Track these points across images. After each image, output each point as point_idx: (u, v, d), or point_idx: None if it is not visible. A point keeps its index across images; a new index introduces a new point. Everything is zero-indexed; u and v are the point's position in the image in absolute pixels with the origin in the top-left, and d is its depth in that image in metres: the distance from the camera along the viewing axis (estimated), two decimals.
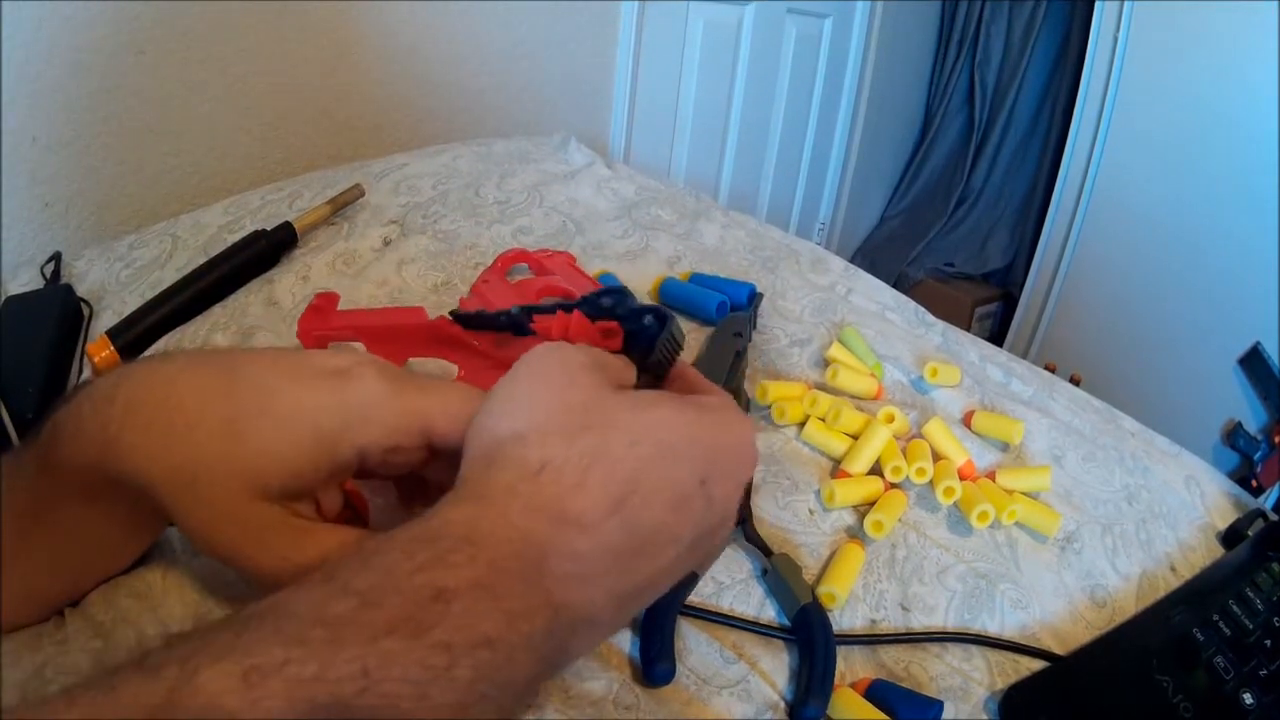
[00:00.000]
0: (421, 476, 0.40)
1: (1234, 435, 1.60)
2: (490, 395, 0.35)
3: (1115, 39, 1.79)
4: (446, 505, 0.30)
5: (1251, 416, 1.59)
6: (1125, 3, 1.76)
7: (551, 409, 0.33)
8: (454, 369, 0.58)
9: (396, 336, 0.61)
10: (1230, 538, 0.61)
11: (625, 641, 0.45)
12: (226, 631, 0.25)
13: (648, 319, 0.47)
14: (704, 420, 0.34)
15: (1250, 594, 0.51)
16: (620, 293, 0.49)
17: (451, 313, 0.58)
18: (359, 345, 0.61)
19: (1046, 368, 1.96)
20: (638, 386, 0.40)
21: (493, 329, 0.56)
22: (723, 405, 0.36)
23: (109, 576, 0.42)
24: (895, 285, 2.21)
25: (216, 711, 0.22)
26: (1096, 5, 1.84)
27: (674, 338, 0.43)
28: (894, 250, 2.57)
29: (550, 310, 0.53)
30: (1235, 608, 0.50)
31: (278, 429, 0.33)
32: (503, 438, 0.32)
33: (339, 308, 0.65)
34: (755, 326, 0.77)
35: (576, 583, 0.29)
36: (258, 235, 0.76)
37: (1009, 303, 2.34)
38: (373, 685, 0.24)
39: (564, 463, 0.30)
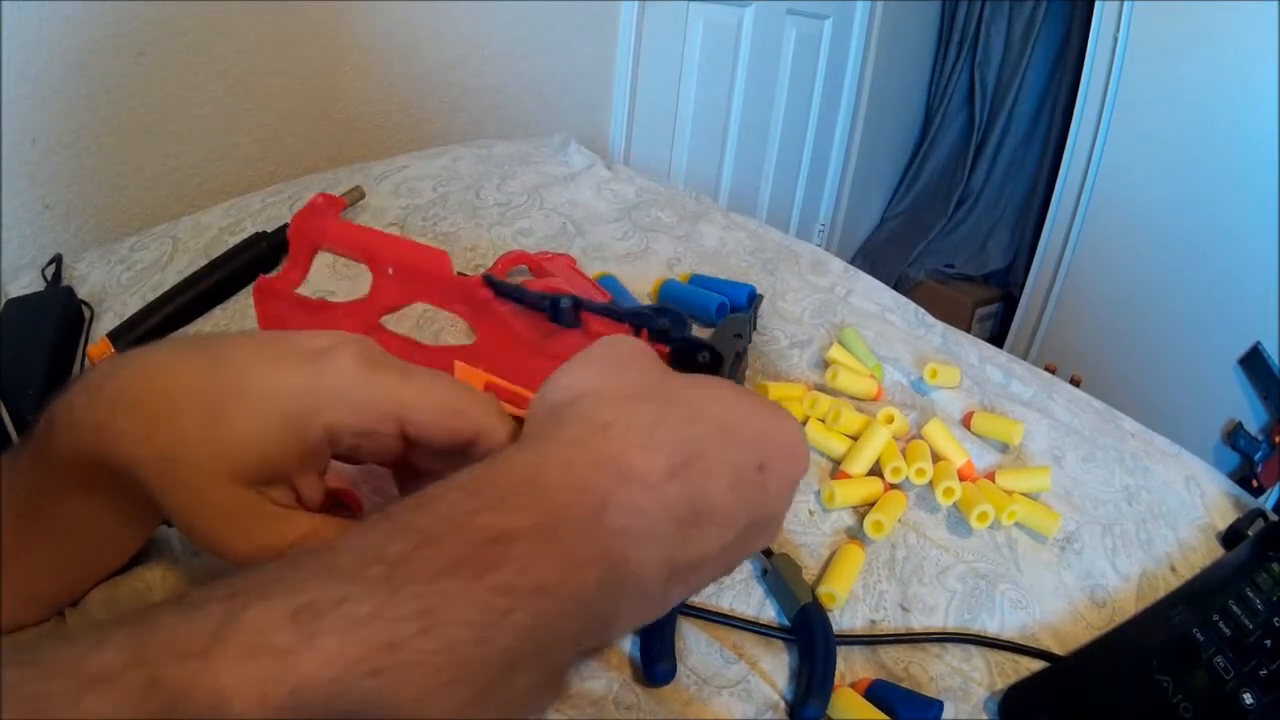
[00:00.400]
0: (418, 469, 0.40)
1: (1234, 435, 1.60)
2: (561, 367, 0.36)
3: (1115, 39, 1.79)
4: (509, 453, 0.30)
5: (1252, 416, 1.59)
6: (1125, 2, 1.76)
7: (621, 380, 0.34)
8: (463, 324, 0.55)
9: (414, 277, 0.57)
10: (1230, 538, 0.61)
11: (625, 641, 0.45)
12: (274, 570, 0.24)
13: (703, 355, 0.47)
14: (762, 410, 0.35)
15: (1250, 594, 0.51)
16: (677, 316, 0.49)
17: (488, 276, 0.56)
18: (363, 268, 0.56)
19: (1047, 368, 1.96)
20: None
21: (530, 306, 0.55)
22: (777, 403, 0.37)
23: (109, 574, 0.42)
24: (895, 286, 2.22)
25: (265, 650, 0.21)
26: (1096, 5, 1.84)
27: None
28: (894, 251, 2.57)
29: (599, 311, 0.52)
30: (1235, 608, 0.50)
31: (250, 411, 0.33)
32: (571, 398, 0.33)
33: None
34: (755, 328, 0.77)
35: (633, 540, 0.29)
36: (258, 237, 0.76)
37: (1009, 303, 2.34)
38: (433, 626, 0.23)
39: (630, 423, 0.31)
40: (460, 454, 0.36)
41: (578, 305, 0.54)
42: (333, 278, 0.74)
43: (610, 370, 0.35)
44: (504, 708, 0.25)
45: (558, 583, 0.26)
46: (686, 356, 0.48)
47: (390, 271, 0.56)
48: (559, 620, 0.26)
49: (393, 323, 0.61)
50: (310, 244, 0.56)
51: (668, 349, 0.48)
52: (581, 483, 0.29)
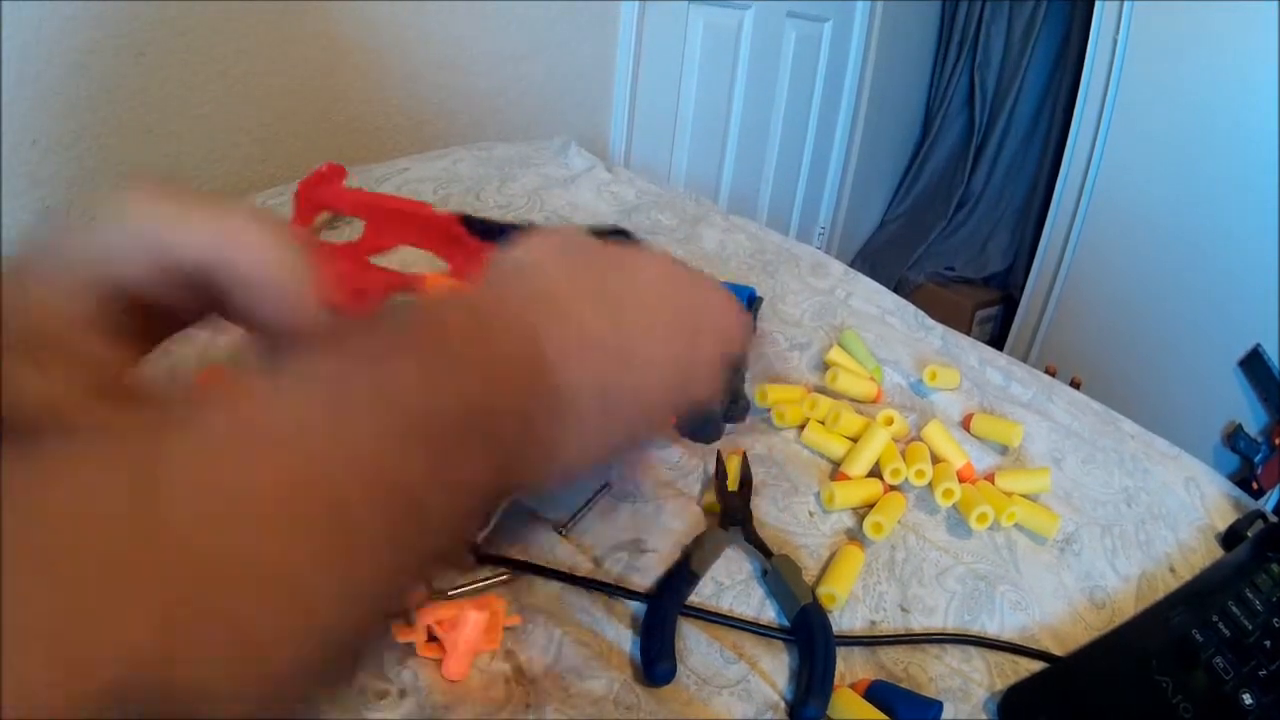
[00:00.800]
0: None
1: (1234, 437, 1.60)
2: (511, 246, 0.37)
3: (1115, 40, 1.79)
4: (452, 301, 0.32)
5: (1252, 418, 1.59)
6: (1125, 3, 1.76)
7: (566, 252, 0.36)
8: (442, 265, 0.57)
9: (398, 222, 0.60)
10: (1230, 539, 0.61)
11: (626, 641, 0.45)
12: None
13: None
14: (698, 284, 0.38)
15: (1250, 595, 0.52)
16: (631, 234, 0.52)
17: (463, 215, 0.58)
18: (359, 222, 0.60)
19: (1047, 370, 1.96)
20: None
21: (497, 238, 0.57)
22: (723, 288, 0.39)
23: None
24: (895, 289, 2.22)
25: None
26: (1096, 6, 1.84)
27: None
28: (894, 254, 2.57)
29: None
30: (1235, 608, 0.50)
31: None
32: (517, 265, 0.34)
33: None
34: (755, 330, 0.77)
35: (561, 354, 0.30)
36: None
37: (1009, 306, 2.34)
38: (384, 392, 0.25)
39: (559, 271, 0.33)
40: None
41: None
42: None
43: (555, 244, 0.36)
44: (458, 476, 0.26)
45: (489, 378, 0.27)
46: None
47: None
48: (496, 398, 0.27)
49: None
50: (315, 205, 0.59)
51: None
52: (516, 304, 0.31)
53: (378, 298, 0.50)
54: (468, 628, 0.42)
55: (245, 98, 1.06)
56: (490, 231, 0.58)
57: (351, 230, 0.67)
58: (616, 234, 0.51)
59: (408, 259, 0.65)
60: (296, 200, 0.58)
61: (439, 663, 0.43)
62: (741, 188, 2.09)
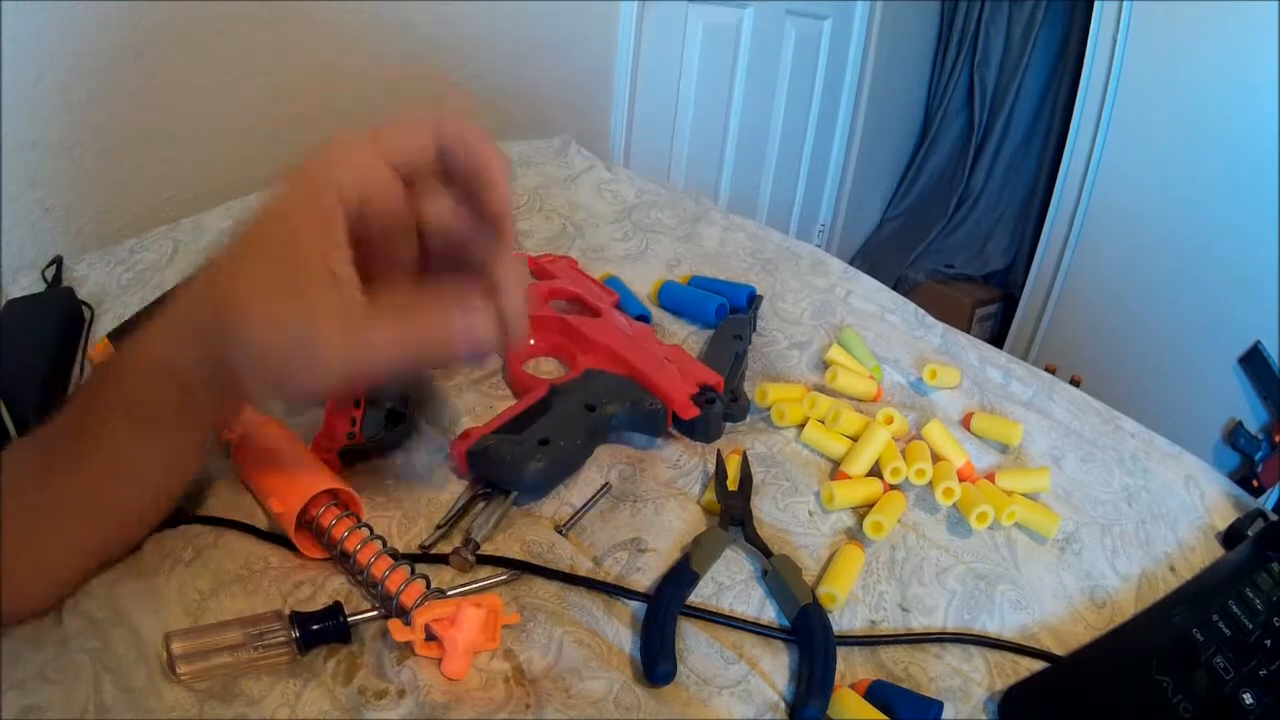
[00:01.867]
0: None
1: (1235, 435, 1.60)
2: None
3: (1115, 39, 1.79)
4: None
5: (1252, 416, 1.59)
6: (1125, 2, 1.76)
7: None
8: None
9: None
10: (1230, 538, 0.61)
11: (626, 641, 0.45)
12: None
13: None
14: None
15: (1250, 594, 0.51)
16: None
17: None
18: None
19: (1047, 369, 1.96)
20: None
21: None
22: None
23: (137, 540, 0.45)
24: (895, 287, 2.21)
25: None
26: (1096, 5, 1.84)
27: None
28: (894, 252, 2.57)
29: None
30: (1235, 608, 0.50)
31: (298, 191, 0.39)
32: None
33: None
34: (755, 329, 0.77)
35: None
36: None
37: (1009, 304, 2.34)
38: None
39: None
40: (469, 194, 0.41)
41: None
42: None
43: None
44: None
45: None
46: None
47: None
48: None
49: None
50: None
51: None
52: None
53: None
54: (466, 625, 0.42)
55: (246, 99, 1.06)
56: None
57: None
58: None
59: None
60: None
61: (439, 662, 0.43)
62: (741, 186, 2.09)
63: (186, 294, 0.41)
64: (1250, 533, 0.59)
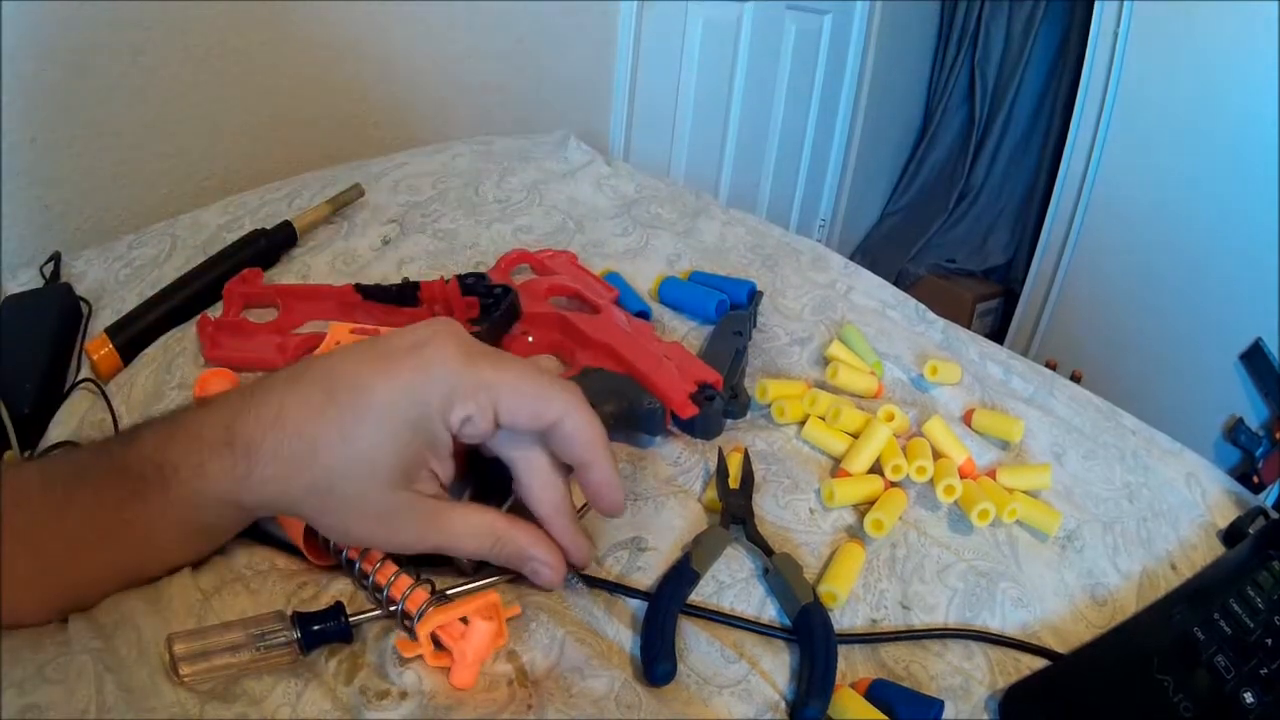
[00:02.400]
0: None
1: (1235, 431, 1.60)
2: None
3: (1115, 35, 1.79)
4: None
5: (1253, 412, 1.59)
6: (1125, 1, 1.76)
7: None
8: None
9: (309, 298, 0.71)
10: (1231, 536, 0.61)
11: (627, 640, 0.45)
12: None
13: (497, 289, 0.67)
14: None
15: (1251, 592, 0.51)
16: (481, 278, 0.69)
17: (356, 285, 0.70)
18: (278, 306, 0.70)
19: (1047, 364, 1.96)
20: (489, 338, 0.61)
21: (385, 300, 0.70)
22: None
23: (152, 578, 0.45)
24: (896, 282, 2.21)
25: None
26: (1096, 2, 1.83)
27: (513, 306, 0.66)
28: (895, 246, 2.57)
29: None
30: (1236, 606, 0.50)
31: (378, 427, 0.38)
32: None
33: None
34: (755, 324, 0.77)
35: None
36: (257, 234, 0.76)
37: (1010, 299, 2.34)
38: None
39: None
40: (544, 434, 0.43)
41: (414, 285, 0.70)
42: (332, 275, 0.74)
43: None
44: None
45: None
46: (491, 301, 0.66)
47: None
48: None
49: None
50: (240, 298, 0.70)
51: (478, 301, 0.67)
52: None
53: (297, 356, 0.64)
54: (476, 638, 0.42)
55: (244, 97, 1.06)
56: (379, 295, 0.69)
57: (268, 313, 0.74)
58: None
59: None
60: (226, 295, 0.70)
61: (446, 670, 0.43)
62: (742, 181, 2.09)
63: (269, 437, 0.39)
64: (1251, 531, 0.59)
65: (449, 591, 0.46)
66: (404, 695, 0.41)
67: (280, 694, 0.41)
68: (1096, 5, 1.83)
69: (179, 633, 0.41)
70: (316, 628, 0.42)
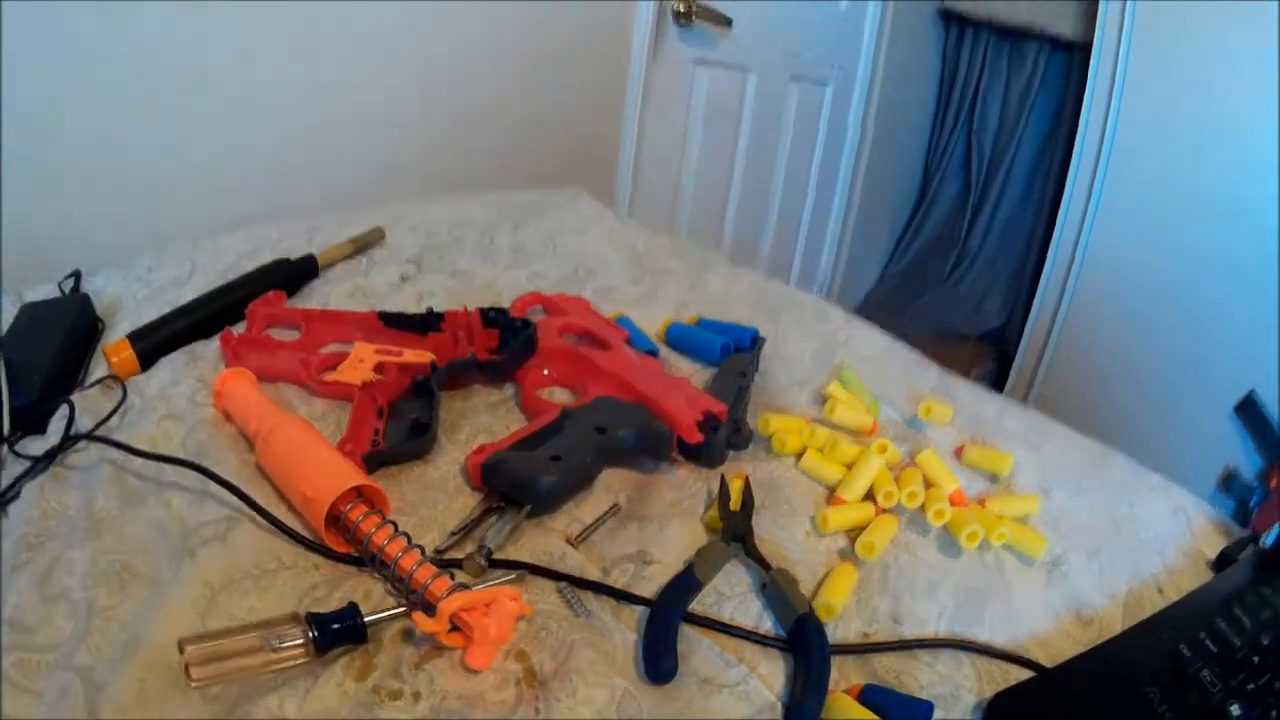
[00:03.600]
0: None
1: (1230, 482, 1.60)
2: None
3: (1108, 103, 1.84)
4: None
5: (1247, 464, 1.60)
6: (1119, 71, 1.81)
7: None
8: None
9: (332, 322, 0.74)
10: (1221, 563, 0.62)
11: (632, 644, 0.47)
12: None
13: (517, 323, 0.71)
14: None
15: (1239, 613, 0.52)
16: (503, 312, 0.73)
17: (379, 312, 0.74)
18: (301, 327, 0.73)
19: None
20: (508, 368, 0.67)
21: (408, 328, 0.72)
22: None
23: None
24: None
25: None
26: (1090, 70, 1.89)
27: (532, 339, 0.69)
28: (892, 309, 2.60)
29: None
30: (1224, 625, 0.51)
31: None
32: None
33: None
34: (758, 367, 0.79)
35: None
36: (282, 263, 0.79)
37: (1005, 361, 2.36)
38: None
39: None
40: None
41: (438, 315, 0.73)
42: (351, 305, 0.77)
43: None
44: None
45: None
46: (511, 334, 0.71)
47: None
48: None
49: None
50: (264, 318, 0.74)
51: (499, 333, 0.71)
52: None
53: (320, 371, 0.67)
54: (500, 614, 0.43)
55: (262, 135, 1.11)
56: (402, 322, 0.72)
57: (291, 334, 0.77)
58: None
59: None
60: (250, 314, 0.73)
61: (461, 653, 0.44)
62: (743, 239, 2.13)
63: None
64: (1240, 558, 0.61)
65: (470, 586, 0.48)
66: (417, 696, 0.43)
67: (289, 690, 0.42)
68: (1090, 73, 1.89)
69: (190, 636, 0.41)
70: (335, 627, 0.43)
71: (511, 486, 0.54)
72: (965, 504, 0.63)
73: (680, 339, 0.82)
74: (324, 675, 0.43)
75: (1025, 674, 0.50)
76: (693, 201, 1.91)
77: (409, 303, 0.80)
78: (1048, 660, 0.52)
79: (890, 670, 0.49)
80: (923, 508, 0.61)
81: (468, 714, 0.42)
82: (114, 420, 0.61)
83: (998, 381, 2.36)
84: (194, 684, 0.41)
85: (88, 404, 0.63)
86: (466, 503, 0.56)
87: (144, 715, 0.41)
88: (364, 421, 0.60)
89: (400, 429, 0.61)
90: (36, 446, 0.58)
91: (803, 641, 0.48)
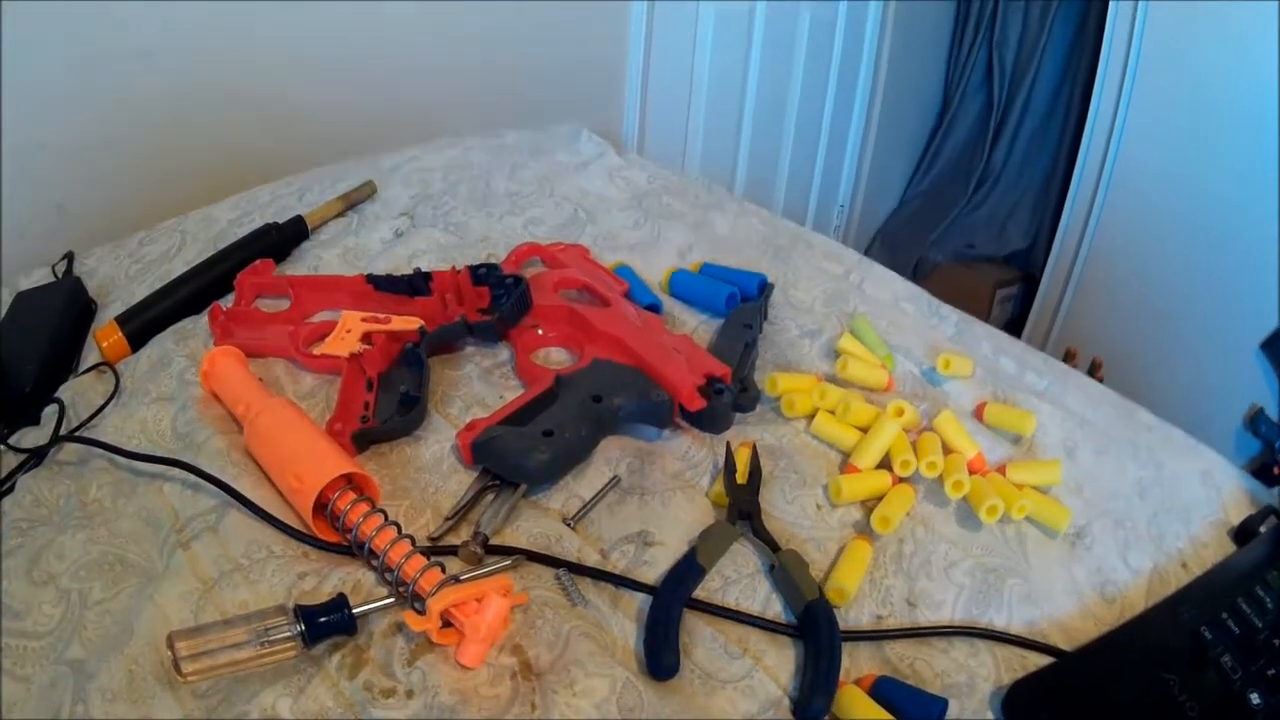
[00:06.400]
0: None
1: (1256, 421, 1.57)
2: None
3: (1133, 16, 1.76)
4: None
5: (1274, 402, 1.57)
6: None
7: None
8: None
9: (320, 289, 0.72)
10: (1242, 535, 0.60)
11: (632, 635, 0.46)
12: None
13: (509, 280, 0.67)
14: None
15: (1260, 592, 0.51)
16: (494, 269, 0.69)
17: (367, 276, 0.71)
18: (290, 296, 0.71)
19: (1067, 351, 1.94)
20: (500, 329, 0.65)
21: (396, 290, 0.70)
22: None
23: None
24: (916, 268, 2.18)
25: None
26: None
27: (524, 296, 0.66)
28: (914, 232, 2.55)
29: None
30: (1245, 606, 0.50)
31: None
32: None
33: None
34: (766, 317, 0.76)
35: None
36: (269, 228, 0.76)
37: (1030, 285, 2.32)
38: None
39: None
40: None
41: (426, 275, 0.70)
42: (343, 269, 0.75)
43: None
44: None
45: None
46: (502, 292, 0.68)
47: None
48: None
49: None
50: (252, 289, 0.72)
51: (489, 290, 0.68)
52: None
53: (308, 343, 0.65)
54: (491, 612, 0.42)
55: (253, 95, 1.07)
56: (391, 285, 0.70)
57: (279, 303, 0.75)
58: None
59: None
60: (238, 285, 0.71)
61: (454, 650, 0.43)
62: (758, 170, 2.08)
63: None
64: (1261, 530, 0.58)
65: (462, 577, 0.46)
66: (410, 694, 0.42)
67: (281, 687, 0.41)
68: None
69: (180, 631, 0.41)
70: (322, 620, 0.42)
71: (503, 466, 0.52)
72: (985, 472, 0.61)
73: (684, 288, 0.79)
74: (316, 674, 0.42)
75: (1044, 658, 0.48)
76: (705, 132, 1.85)
77: (401, 262, 0.77)
78: (1068, 641, 0.50)
79: (904, 657, 0.47)
80: (941, 478, 0.58)
81: (462, 710, 0.41)
82: (107, 408, 0.60)
83: (1023, 305, 2.32)
84: (185, 680, 0.40)
85: (81, 391, 0.62)
86: (461, 481, 0.54)
87: (134, 708, 0.40)
88: (353, 397, 0.58)
89: (391, 401, 0.59)
90: (31, 438, 0.58)
91: (813, 630, 0.46)
